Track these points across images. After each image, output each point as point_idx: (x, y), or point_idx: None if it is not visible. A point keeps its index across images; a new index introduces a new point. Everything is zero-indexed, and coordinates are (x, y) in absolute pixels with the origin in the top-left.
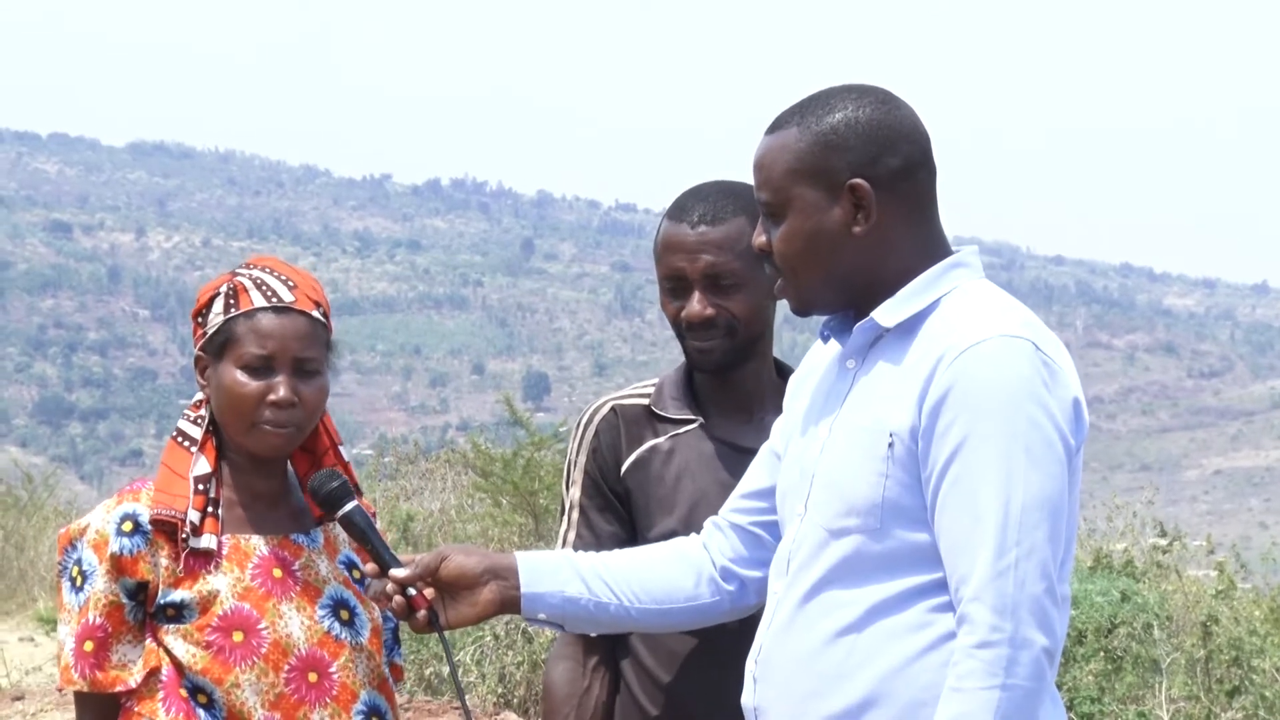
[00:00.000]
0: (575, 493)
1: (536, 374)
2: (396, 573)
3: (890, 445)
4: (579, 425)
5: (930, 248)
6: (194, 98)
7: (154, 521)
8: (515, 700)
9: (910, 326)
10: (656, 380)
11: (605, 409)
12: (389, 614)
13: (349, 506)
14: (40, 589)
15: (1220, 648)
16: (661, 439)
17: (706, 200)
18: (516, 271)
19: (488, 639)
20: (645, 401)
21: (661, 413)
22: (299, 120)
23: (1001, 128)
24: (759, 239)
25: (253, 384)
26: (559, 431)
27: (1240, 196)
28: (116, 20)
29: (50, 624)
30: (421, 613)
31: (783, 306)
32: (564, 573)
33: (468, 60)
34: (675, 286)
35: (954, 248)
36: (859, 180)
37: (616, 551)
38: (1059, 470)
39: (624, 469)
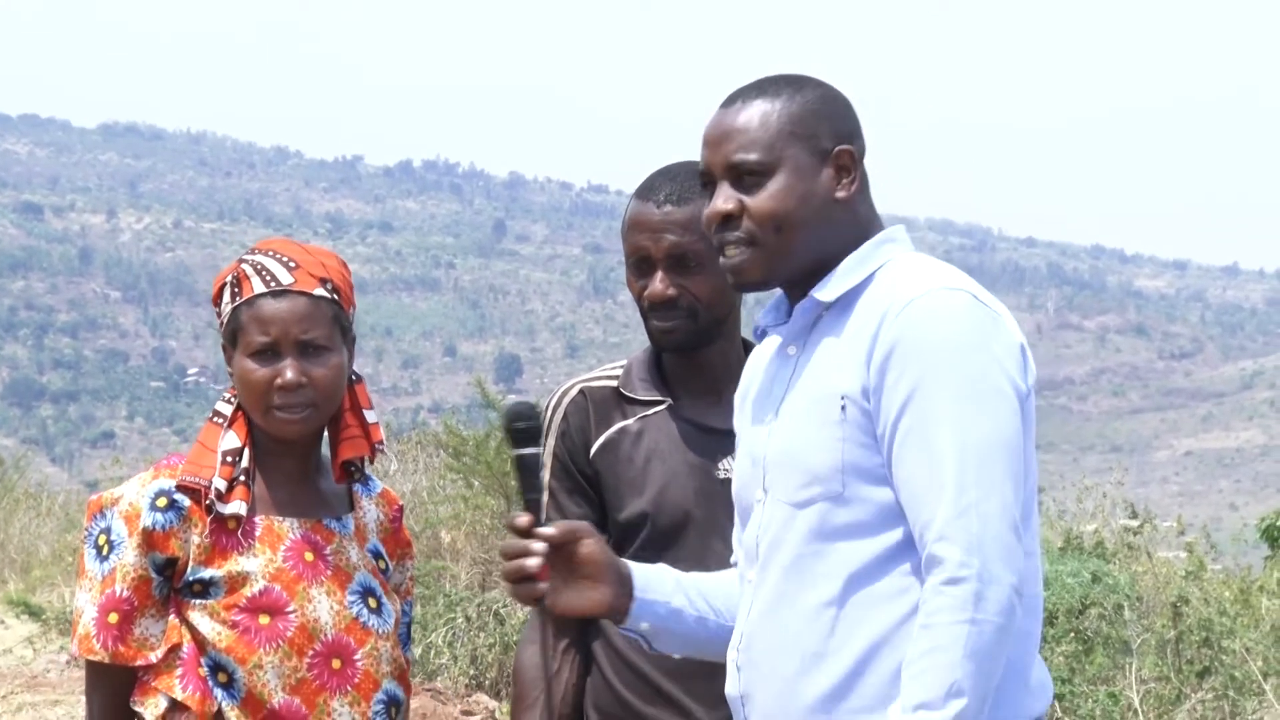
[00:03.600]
0: (544, 475)
1: (508, 356)
2: (545, 530)
3: (843, 408)
4: (547, 408)
5: (874, 223)
6: (165, 79)
7: (180, 488)
8: (487, 682)
9: (848, 301)
10: (625, 362)
11: (574, 391)
12: (401, 609)
13: (529, 450)
14: (10, 571)
15: (1190, 629)
16: (630, 420)
17: (674, 180)
18: (488, 253)
19: (459, 621)
20: (614, 383)
21: (630, 394)
22: (270, 101)
23: (973, 111)
24: (726, 205)
25: (261, 370)
26: None
27: (1211, 179)
28: (87, 1)
29: (20, 607)
30: (544, 585)
31: None
32: (668, 584)
33: (439, 42)
34: (640, 265)
35: (919, 231)
36: (846, 147)
37: (703, 573)
38: (1011, 414)
39: (593, 451)
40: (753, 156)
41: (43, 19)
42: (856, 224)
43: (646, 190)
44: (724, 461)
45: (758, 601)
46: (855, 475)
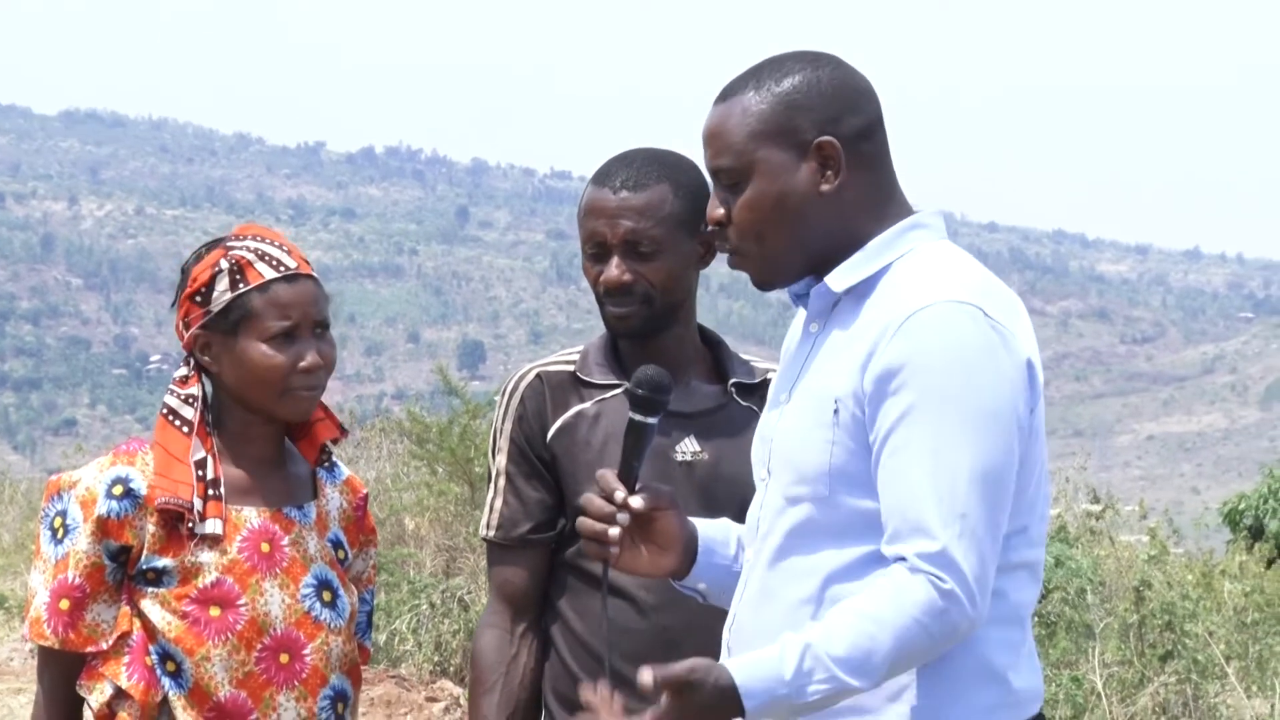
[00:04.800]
0: (501, 460)
1: (472, 342)
2: (634, 501)
3: (835, 412)
4: (504, 393)
5: (890, 208)
6: (126, 65)
7: (160, 510)
8: (451, 668)
9: (864, 291)
10: (581, 347)
11: (530, 376)
12: (362, 597)
13: (641, 418)
14: None
15: (1153, 613)
16: (587, 404)
17: (630, 166)
18: (451, 239)
19: (423, 607)
20: (570, 368)
21: (587, 378)
22: (232, 87)
23: (933, 95)
24: (715, 212)
25: (280, 356)
26: (494, 399)
27: (1172, 162)
28: None
29: None
30: (615, 549)
31: (706, 276)
32: (731, 546)
33: (402, 27)
34: (596, 251)
35: (915, 208)
36: (827, 138)
37: None
38: (1004, 440)
39: (550, 435)
40: (725, 163)
41: (1, 5)
42: (851, 214)
43: (603, 176)
44: (681, 444)
45: (749, 585)
46: (841, 481)
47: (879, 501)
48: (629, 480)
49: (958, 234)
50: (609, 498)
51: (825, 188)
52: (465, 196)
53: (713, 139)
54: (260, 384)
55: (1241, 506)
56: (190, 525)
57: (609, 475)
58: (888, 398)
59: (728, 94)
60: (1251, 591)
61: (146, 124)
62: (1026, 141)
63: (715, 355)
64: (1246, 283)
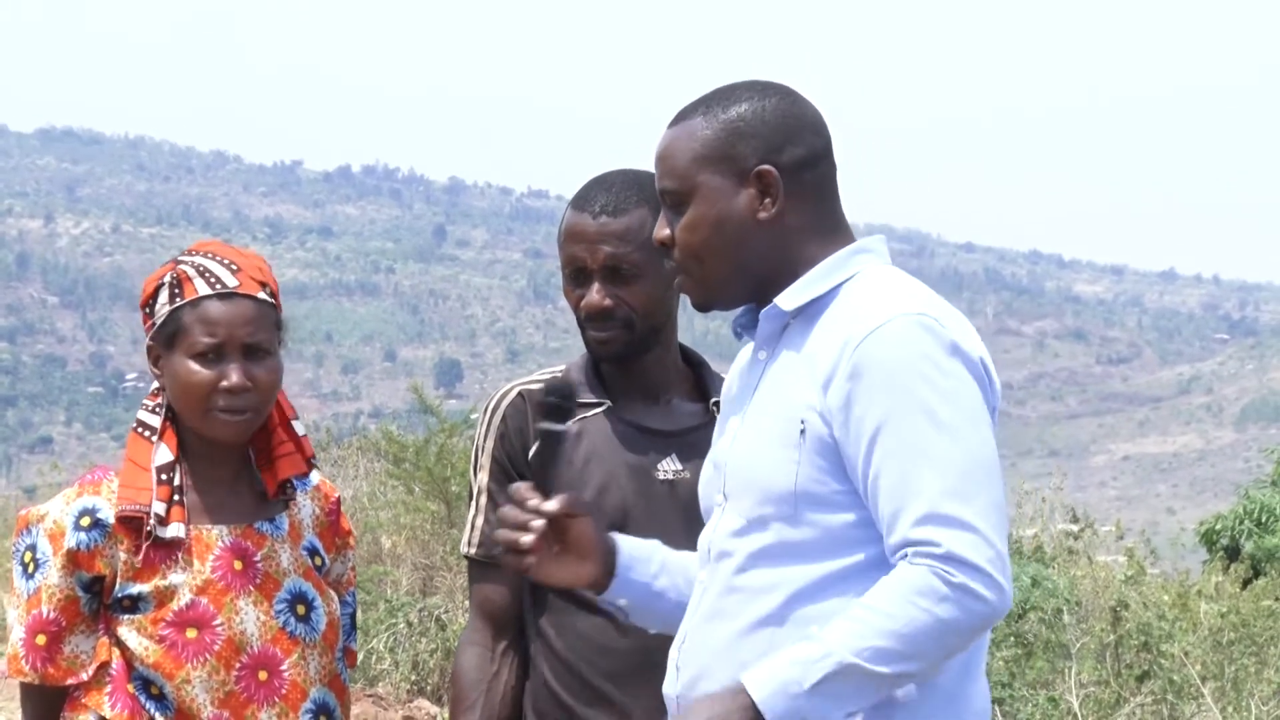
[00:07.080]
0: (483, 478)
1: (449, 361)
2: (546, 505)
3: (801, 432)
4: (486, 410)
5: (834, 236)
6: (103, 83)
7: (120, 519)
8: (429, 687)
9: (813, 313)
10: (564, 366)
11: (512, 394)
12: (344, 600)
13: (559, 427)
14: None
15: (1130, 633)
16: (569, 423)
17: (609, 190)
18: (428, 258)
19: (400, 626)
20: None
21: None
22: (209, 106)
23: (911, 115)
24: (661, 232)
25: (204, 372)
26: (470, 418)
27: (1148, 183)
28: (22, 4)
29: None
30: (531, 559)
31: (684, 296)
32: (654, 565)
33: (378, 45)
34: (576, 275)
35: (858, 236)
36: (766, 166)
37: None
38: (984, 435)
39: (531, 453)
40: (669, 185)
41: None
42: (791, 241)
43: (582, 200)
44: (663, 462)
45: (702, 606)
46: (807, 501)
47: (850, 517)
48: (544, 489)
49: (934, 254)
50: (522, 505)
51: (763, 215)
52: (442, 215)
53: (660, 161)
54: (185, 401)
55: (1218, 527)
56: (149, 530)
57: (522, 487)
58: (859, 416)
59: (679, 119)
60: (1227, 612)
61: (123, 142)
62: (1003, 162)
63: (697, 375)
64: (1222, 304)
